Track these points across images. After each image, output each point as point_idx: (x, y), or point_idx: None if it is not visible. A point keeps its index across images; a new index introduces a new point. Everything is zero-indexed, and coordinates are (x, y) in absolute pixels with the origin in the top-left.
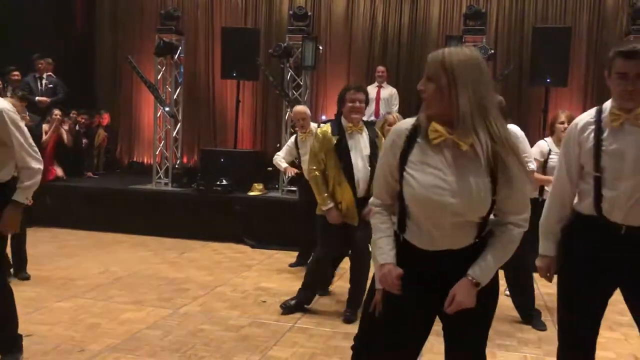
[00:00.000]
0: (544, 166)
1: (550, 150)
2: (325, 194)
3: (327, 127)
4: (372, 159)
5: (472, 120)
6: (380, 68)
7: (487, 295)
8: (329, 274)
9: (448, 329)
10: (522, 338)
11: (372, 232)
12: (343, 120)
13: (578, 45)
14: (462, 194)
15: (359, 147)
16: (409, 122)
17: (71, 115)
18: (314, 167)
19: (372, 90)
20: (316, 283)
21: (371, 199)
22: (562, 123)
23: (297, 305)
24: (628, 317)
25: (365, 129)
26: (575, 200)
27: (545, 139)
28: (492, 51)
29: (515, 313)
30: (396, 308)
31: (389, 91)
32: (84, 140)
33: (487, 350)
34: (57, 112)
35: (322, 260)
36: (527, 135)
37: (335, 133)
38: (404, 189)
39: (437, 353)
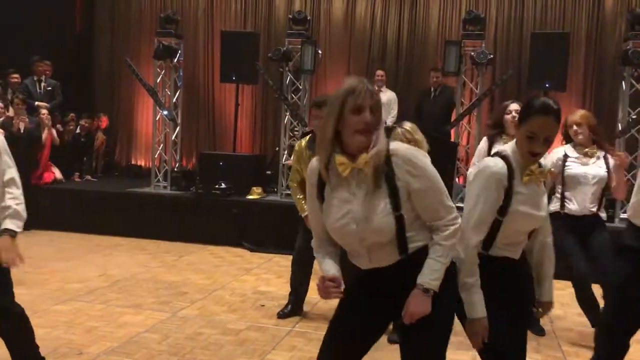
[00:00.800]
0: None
1: (566, 155)
2: (303, 202)
3: (304, 142)
4: None
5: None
6: (380, 72)
7: (435, 302)
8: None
9: (402, 340)
10: None
11: None
12: None
13: (577, 51)
14: (361, 220)
15: None
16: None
17: (69, 117)
18: (291, 180)
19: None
20: (298, 284)
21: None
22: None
23: (292, 310)
24: None
25: None
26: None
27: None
28: (491, 56)
29: None
30: (343, 314)
31: (387, 95)
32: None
33: None
34: (43, 111)
35: (298, 261)
36: None
37: (311, 148)
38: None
39: None
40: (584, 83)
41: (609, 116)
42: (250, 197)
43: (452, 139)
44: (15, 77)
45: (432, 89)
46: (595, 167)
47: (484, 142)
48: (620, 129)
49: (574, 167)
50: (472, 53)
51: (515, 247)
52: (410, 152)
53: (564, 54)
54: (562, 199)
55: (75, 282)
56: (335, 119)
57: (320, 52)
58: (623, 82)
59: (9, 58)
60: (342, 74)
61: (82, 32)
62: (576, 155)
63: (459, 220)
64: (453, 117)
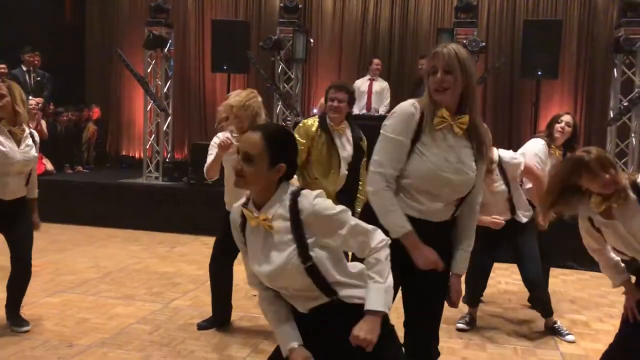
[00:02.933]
0: None
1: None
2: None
3: (313, 120)
4: (353, 160)
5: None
6: (376, 60)
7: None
8: None
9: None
10: (513, 330)
11: None
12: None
13: (569, 38)
14: None
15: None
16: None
17: (57, 110)
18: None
19: (364, 83)
20: None
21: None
22: (560, 122)
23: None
24: (617, 309)
25: (347, 132)
26: None
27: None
28: (484, 44)
29: (505, 305)
30: None
31: (380, 84)
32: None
33: (477, 343)
34: (31, 102)
35: None
36: (518, 127)
37: (323, 128)
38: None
39: None
40: (576, 70)
41: (601, 104)
42: None
43: None
44: (2, 68)
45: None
46: None
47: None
48: (612, 116)
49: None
50: (465, 41)
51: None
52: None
53: (557, 42)
54: None
55: (66, 273)
56: None
57: (312, 41)
58: (615, 70)
59: None
60: (334, 62)
61: (73, 21)
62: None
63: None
64: None
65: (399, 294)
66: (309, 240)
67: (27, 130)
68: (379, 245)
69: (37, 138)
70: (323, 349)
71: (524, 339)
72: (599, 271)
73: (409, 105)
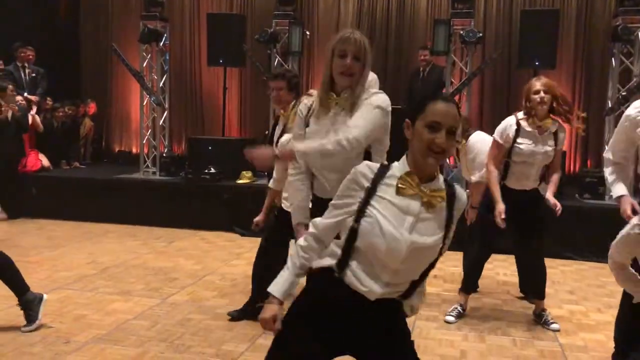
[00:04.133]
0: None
1: (518, 130)
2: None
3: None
4: None
5: None
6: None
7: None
8: None
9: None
10: (511, 321)
11: None
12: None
13: (567, 28)
14: None
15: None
16: None
17: (54, 105)
18: None
19: None
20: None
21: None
22: (537, 93)
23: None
24: (616, 299)
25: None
26: None
27: (517, 114)
28: (481, 35)
29: (504, 297)
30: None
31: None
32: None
33: (475, 335)
34: (19, 97)
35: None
36: None
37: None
38: None
39: (425, 338)
40: (574, 60)
41: (599, 93)
42: (240, 181)
43: None
44: None
45: (421, 69)
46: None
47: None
48: (609, 106)
49: (525, 145)
50: (462, 32)
51: None
52: None
53: (554, 32)
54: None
55: (63, 270)
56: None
57: (308, 33)
58: (613, 59)
59: None
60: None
61: (67, 16)
62: (529, 130)
63: None
64: None
65: None
66: (450, 231)
67: None
68: None
69: None
70: (359, 343)
71: (522, 330)
72: (598, 261)
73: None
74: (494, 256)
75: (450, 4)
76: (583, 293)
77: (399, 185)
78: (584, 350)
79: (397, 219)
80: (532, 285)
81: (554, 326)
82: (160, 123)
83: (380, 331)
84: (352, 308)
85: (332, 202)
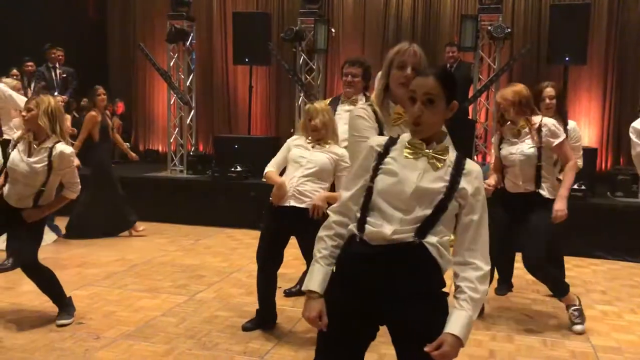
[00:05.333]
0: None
1: (501, 138)
2: None
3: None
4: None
5: None
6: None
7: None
8: None
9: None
10: (541, 321)
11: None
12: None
13: (598, 22)
14: None
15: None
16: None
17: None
18: None
19: None
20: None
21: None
22: (497, 104)
23: (299, 291)
24: None
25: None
26: None
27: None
28: (509, 30)
29: (533, 296)
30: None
31: None
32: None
33: (504, 335)
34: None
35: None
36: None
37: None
38: None
39: None
40: (606, 56)
41: (632, 89)
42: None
43: (470, 116)
44: (30, 66)
45: (448, 66)
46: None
47: None
48: None
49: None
50: (489, 27)
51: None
52: None
53: (585, 26)
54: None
55: (93, 267)
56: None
57: (333, 31)
58: None
59: (23, 46)
60: (356, 52)
61: (96, 17)
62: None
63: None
64: (470, 94)
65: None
66: (458, 191)
67: (49, 147)
68: (481, 272)
69: (61, 158)
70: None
71: (552, 330)
72: (631, 261)
73: None
74: (520, 255)
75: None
76: (616, 293)
77: (406, 147)
78: (617, 351)
79: (407, 169)
80: (549, 288)
81: (576, 327)
82: (187, 122)
83: (413, 293)
84: (379, 262)
85: (349, 176)
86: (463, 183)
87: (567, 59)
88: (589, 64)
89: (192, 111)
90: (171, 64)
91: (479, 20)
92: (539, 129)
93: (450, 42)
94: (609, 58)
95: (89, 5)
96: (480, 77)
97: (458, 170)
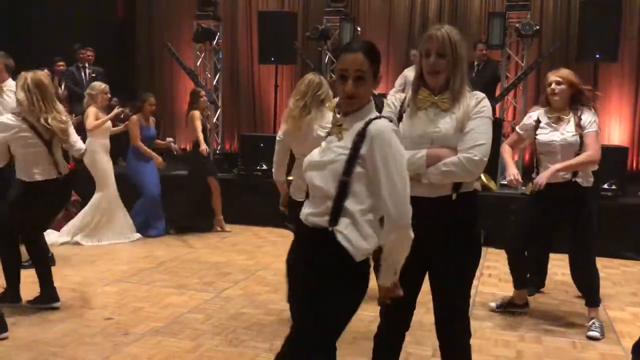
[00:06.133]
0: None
1: (538, 122)
2: None
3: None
4: None
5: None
6: (414, 51)
7: (466, 252)
8: None
9: (432, 282)
10: (571, 323)
11: None
12: None
13: (629, 18)
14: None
15: None
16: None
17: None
18: None
19: (411, 73)
20: None
21: None
22: (550, 85)
23: None
24: None
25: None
26: None
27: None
28: (537, 27)
29: (562, 297)
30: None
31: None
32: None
33: (533, 336)
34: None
35: None
36: None
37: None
38: None
39: (480, 338)
40: (638, 53)
41: None
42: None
43: (497, 115)
44: (61, 65)
45: (475, 63)
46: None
47: None
48: None
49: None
50: (517, 25)
51: None
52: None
53: (616, 23)
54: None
55: (122, 263)
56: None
57: (359, 29)
58: None
59: (54, 46)
60: (382, 51)
61: (124, 17)
62: (546, 120)
63: None
64: (498, 92)
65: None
66: (360, 156)
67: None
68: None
69: None
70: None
71: (582, 332)
72: None
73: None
74: (551, 255)
75: None
76: None
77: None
78: None
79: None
80: (583, 288)
81: (591, 333)
82: (214, 121)
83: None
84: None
85: None
86: (365, 143)
87: (597, 56)
88: (620, 61)
89: (219, 110)
90: (198, 63)
91: (507, 18)
92: (580, 117)
93: (479, 39)
94: None
95: (117, 5)
96: (508, 75)
97: (362, 132)
